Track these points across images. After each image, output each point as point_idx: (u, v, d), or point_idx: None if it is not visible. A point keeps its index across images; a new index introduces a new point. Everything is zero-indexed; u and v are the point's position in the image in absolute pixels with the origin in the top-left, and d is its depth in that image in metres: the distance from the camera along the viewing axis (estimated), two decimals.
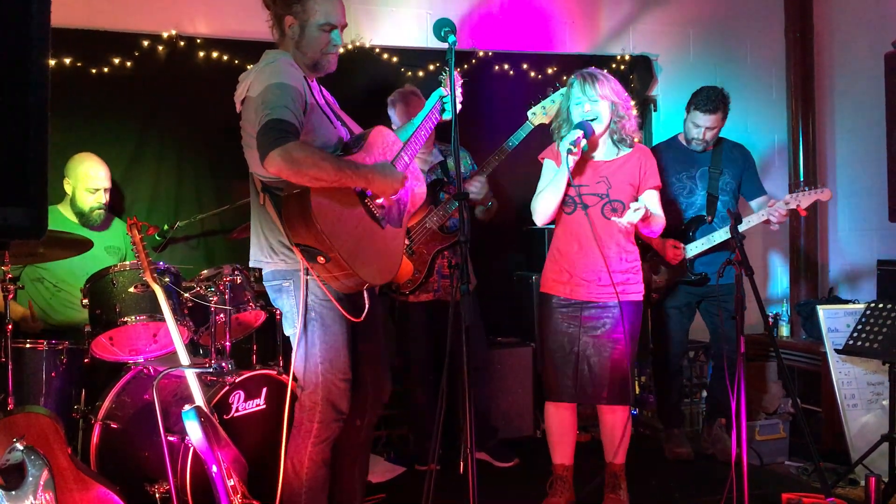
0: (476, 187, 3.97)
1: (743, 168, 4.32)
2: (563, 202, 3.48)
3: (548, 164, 3.59)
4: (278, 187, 2.75)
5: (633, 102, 3.61)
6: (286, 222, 2.71)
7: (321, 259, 2.66)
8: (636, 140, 3.54)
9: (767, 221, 4.08)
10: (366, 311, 2.90)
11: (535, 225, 3.68)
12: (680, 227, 4.22)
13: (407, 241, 3.98)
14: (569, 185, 3.44)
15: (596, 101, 3.41)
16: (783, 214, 4.02)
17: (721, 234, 4.10)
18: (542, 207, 3.51)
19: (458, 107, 3.10)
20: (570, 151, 3.30)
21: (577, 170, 3.47)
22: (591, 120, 3.41)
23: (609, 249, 3.43)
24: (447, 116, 3.16)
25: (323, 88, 3.06)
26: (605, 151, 3.52)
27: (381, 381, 3.18)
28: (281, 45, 2.91)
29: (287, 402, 2.98)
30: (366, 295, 2.91)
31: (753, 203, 4.31)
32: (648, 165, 3.51)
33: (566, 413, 3.56)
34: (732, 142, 4.44)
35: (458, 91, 3.14)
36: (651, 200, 3.49)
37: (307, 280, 2.81)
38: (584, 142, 3.33)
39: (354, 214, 2.77)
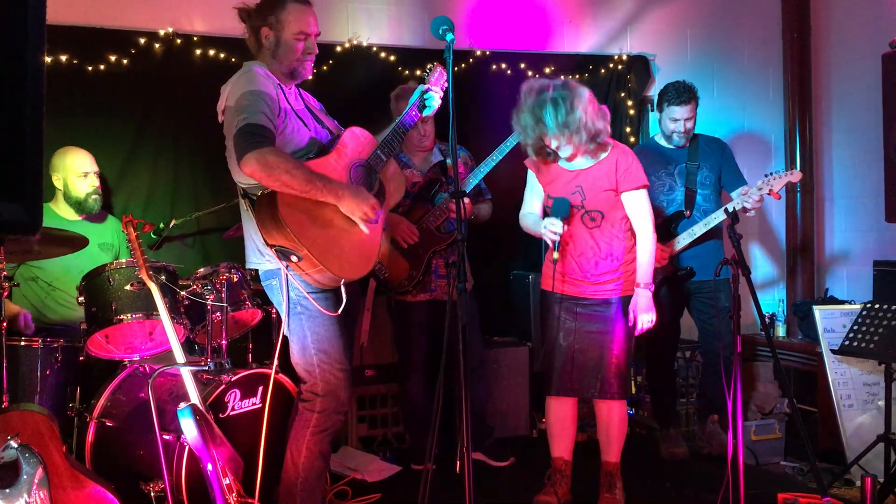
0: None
1: (721, 160, 4.35)
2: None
3: (531, 175, 3.64)
4: (254, 192, 2.85)
5: (594, 101, 3.39)
6: (259, 224, 2.82)
7: (294, 258, 2.77)
8: (606, 132, 3.38)
9: (744, 210, 4.13)
10: (343, 305, 2.94)
11: None
12: (661, 224, 4.24)
13: (416, 238, 3.99)
14: (548, 196, 3.53)
15: (557, 132, 3.30)
16: (757, 200, 4.09)
17: (701, 227, 4.16)
18: (528, 231, 3.63)
19: (439, 102, 3.22)
20: (553, 241, 3.36)
21: (551, 177, 3.52)
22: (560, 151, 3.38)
23: (593, 252, 3.47)
24: (427, 112, 3.24)
25: (304, 92, 3.16)
26: (578, 160, 3.46)
27: None
28: (258, 55, 3.02)
29: (268, 397, 3.06)
30: (343, 290, 2.95)
31: (734, 194, 4.32)
32: (625, 165, 3.41)
33: (566, 407, 3.58)
34: (708, 136, 4.49)
35: (441, 86, 3.22)
36: (632, 203, 3.44)
37: (288, 277, 2.88)
38: (565, 227, 3.36)
39: (326, 213, 2.84)
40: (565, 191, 3.46)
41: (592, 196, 3.43)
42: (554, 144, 3.36)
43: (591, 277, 3.48)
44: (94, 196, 3.94)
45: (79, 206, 3.93)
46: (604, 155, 3.44)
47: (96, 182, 3.96)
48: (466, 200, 3.94)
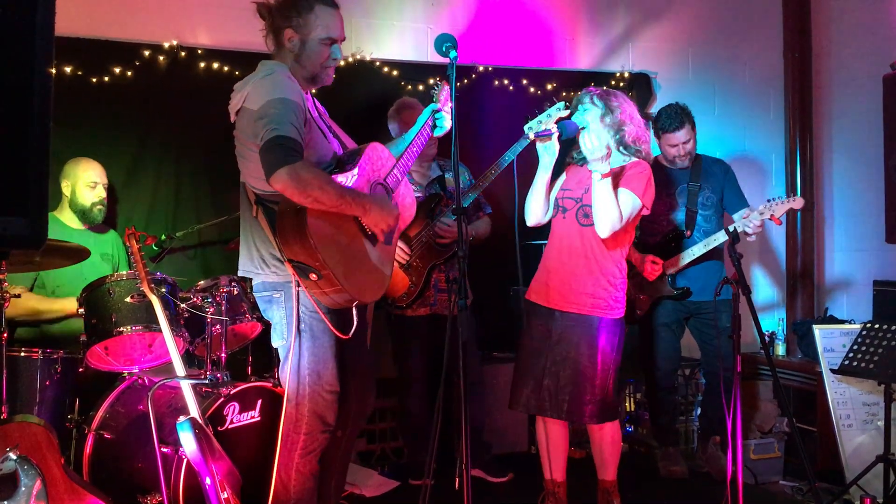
0: (445, 224, 4.01)
1: (723, 182, 4.34)
2: (553, 205, 3.51)
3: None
4: (273, 201, 2.76)
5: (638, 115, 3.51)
6: (280, 237, 2.72)
7: (313, 276, 2.69)
8: (643, 151, 3.42)
9: (745, 234, 4.13)
10: (354, 327, 2.90)
11: (532, 240, 3.69)
12: (660, 242, 4.25)
13: (407, 256, 3.98)
14: (556, 183, 3.50)
15: (588, 111, 3.40)
16: (758, 225, 4.08)
17: (700, 248, 4.14)
18: (527, 203, 3.52)
19: (450, 123, 3.15)
20: (537, 134, 3.31)
21: (573, 176, 3.51)
22: (582, 128, 3.38)
23: (581, 258, 3.39)
24: (438, 133, 3.21)
25: (316, 100, 3.07)
26: (600, 164, 3.43)
27: (365, 395, 3.19)
28: (277, 56, 2.90)
29: (282, 415, 2.97)
30: (354, 310, 2.91)
31: (736, 216, 4.32)
32: (635, 171, 3.38)
33: (556, 427, 3.54)
34: (712, 157, 4.50)
35: (450, 106, 3.19)
36: (621, 196, 3.32)
37: (298, 293, 2.82)
38: (553, 138, 3.31)
39: (348, 232, 2.79)
40: (578, 187, 3.46)
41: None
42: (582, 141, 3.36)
43: (574, 288, 3.39)
44: (98, 206, 3.95)
45: (83, 214, 3.94)
46: (624, 163, 3.42)
47: (103, 193, 3.98)
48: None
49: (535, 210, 3.50)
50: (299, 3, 2.81)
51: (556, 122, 3.37)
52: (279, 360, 2.99)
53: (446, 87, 3.20)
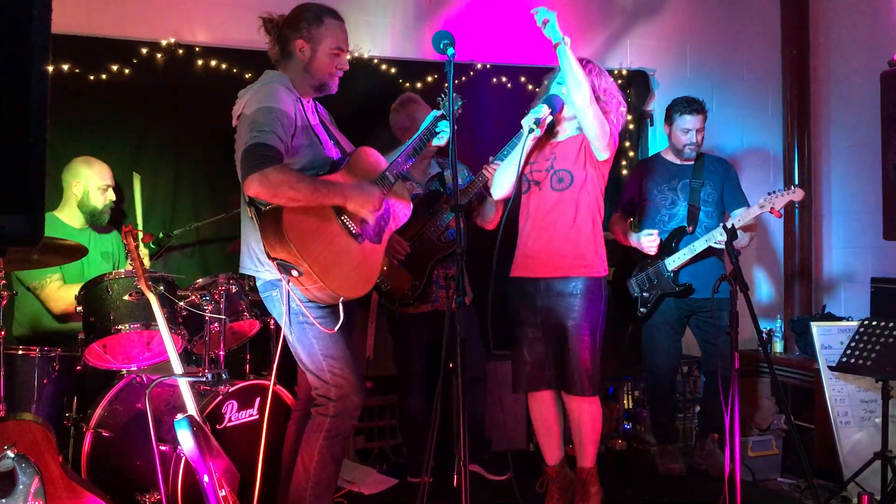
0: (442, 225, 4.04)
1: (724, 180, 4.37)
2: (520, 182, 3.55)
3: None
4: (262, 202, 2.86)
5: (621, 103, 3.57)
6: (263, 237, 2.84)
7: (294, 273, 2.78)
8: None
9: (748, 227, 4.21)
10: (339, 322, 2.94)
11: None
12: (664, 239, 4.25)
13: (405, 252, 3.98)
14: (526, 163, 3.53)
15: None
16: (754, 217, 4.15)
17: (702, 243, 4.15)
18: (497, 178, 3.61)
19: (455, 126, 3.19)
20: (531, 130, 3.33)
21: (537, 149, 3.55)
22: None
23: (558, 224, 3.44)
24: (438, 142, 3.31)
25: (319, 105, 3.17)
26: (566, 134, 3.53)
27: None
28: (282, 66, 3.03)
29: (267, 409, 3.05)
30: (341, 308, 2.95)
31: (734, 213, 4.33)
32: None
33: (543, 404, 3.53)
34: (714, 155, 4.53)
35: (455, 114, 3.22)
36: None
37: (289, 289, 2.88)
38: (550, 118, 3.38)
39: (329, 230, 2.87)
40: (542, 158, 3.53)
41: (563, 158, 3.46)
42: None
43: (554, 252, 3.43)
44: (109, 209, 3.97)
45: (92, 216, 3.94)
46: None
47: (113, 196, 4.00)
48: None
49: (506, 182, 3.55)
50: (310, 15, 2.98)
51: (545, 101, 3.43)
52: (288, 357, 3.06)
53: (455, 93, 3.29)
